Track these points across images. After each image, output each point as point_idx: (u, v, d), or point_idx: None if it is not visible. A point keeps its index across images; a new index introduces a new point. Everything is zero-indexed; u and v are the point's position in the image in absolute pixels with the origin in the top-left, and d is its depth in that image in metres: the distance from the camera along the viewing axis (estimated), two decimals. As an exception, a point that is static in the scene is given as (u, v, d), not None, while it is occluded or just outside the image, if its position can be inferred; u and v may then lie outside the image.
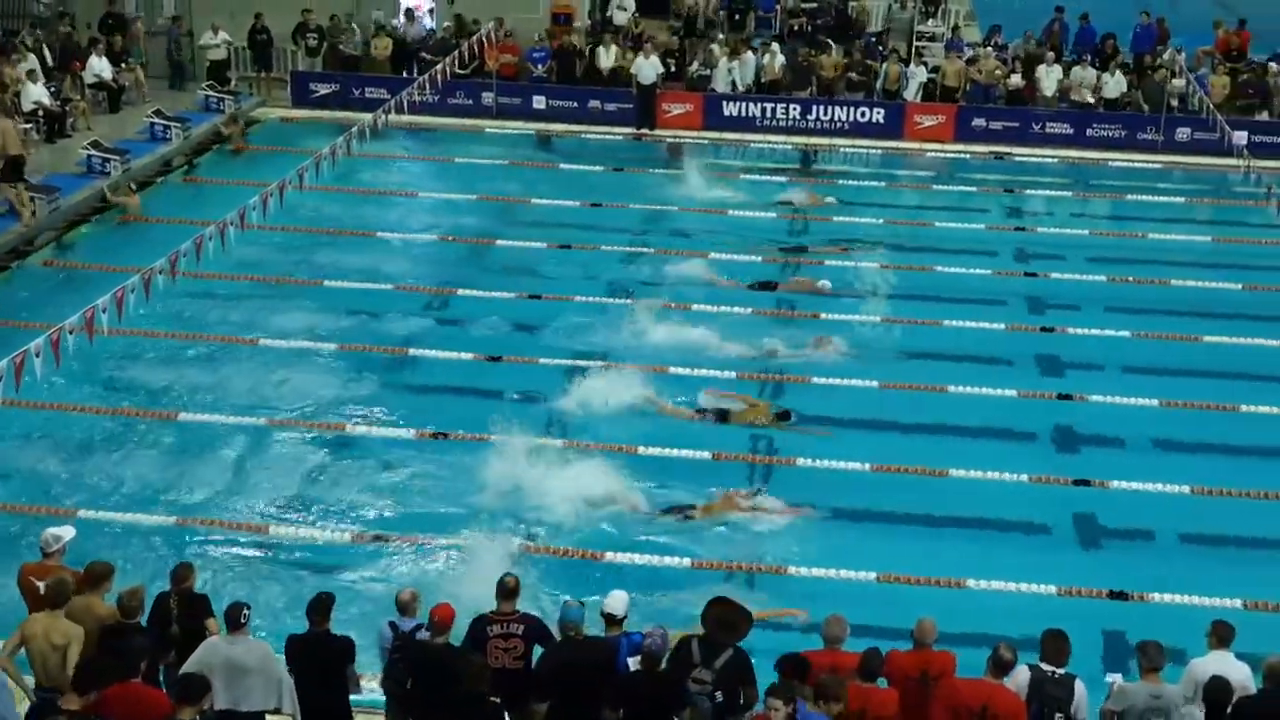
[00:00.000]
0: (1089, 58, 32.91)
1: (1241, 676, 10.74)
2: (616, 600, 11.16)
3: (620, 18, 33.96)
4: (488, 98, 32.32)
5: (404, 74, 32.30)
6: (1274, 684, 10.44)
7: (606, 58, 32.35)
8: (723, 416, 18.70)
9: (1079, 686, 10.55)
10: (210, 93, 31.54)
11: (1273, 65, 31.90)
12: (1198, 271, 24.26)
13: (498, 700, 10.48)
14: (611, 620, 11.06)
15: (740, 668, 10.68)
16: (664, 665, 10.58)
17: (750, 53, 32.52)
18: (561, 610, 10.96)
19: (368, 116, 25.63)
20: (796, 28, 34.50)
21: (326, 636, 11.01)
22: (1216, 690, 10.32)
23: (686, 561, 15.41)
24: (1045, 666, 10.60)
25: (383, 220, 25.93)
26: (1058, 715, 10.49)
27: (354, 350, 20.42)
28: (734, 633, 10.83)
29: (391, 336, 21.03)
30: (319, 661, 10.94)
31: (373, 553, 15.57)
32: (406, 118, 28.16)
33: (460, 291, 22.73)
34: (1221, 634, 11.06)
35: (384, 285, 22.75)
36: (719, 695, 10.60)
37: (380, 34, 33.05)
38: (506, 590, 11.19)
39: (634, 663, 10.67)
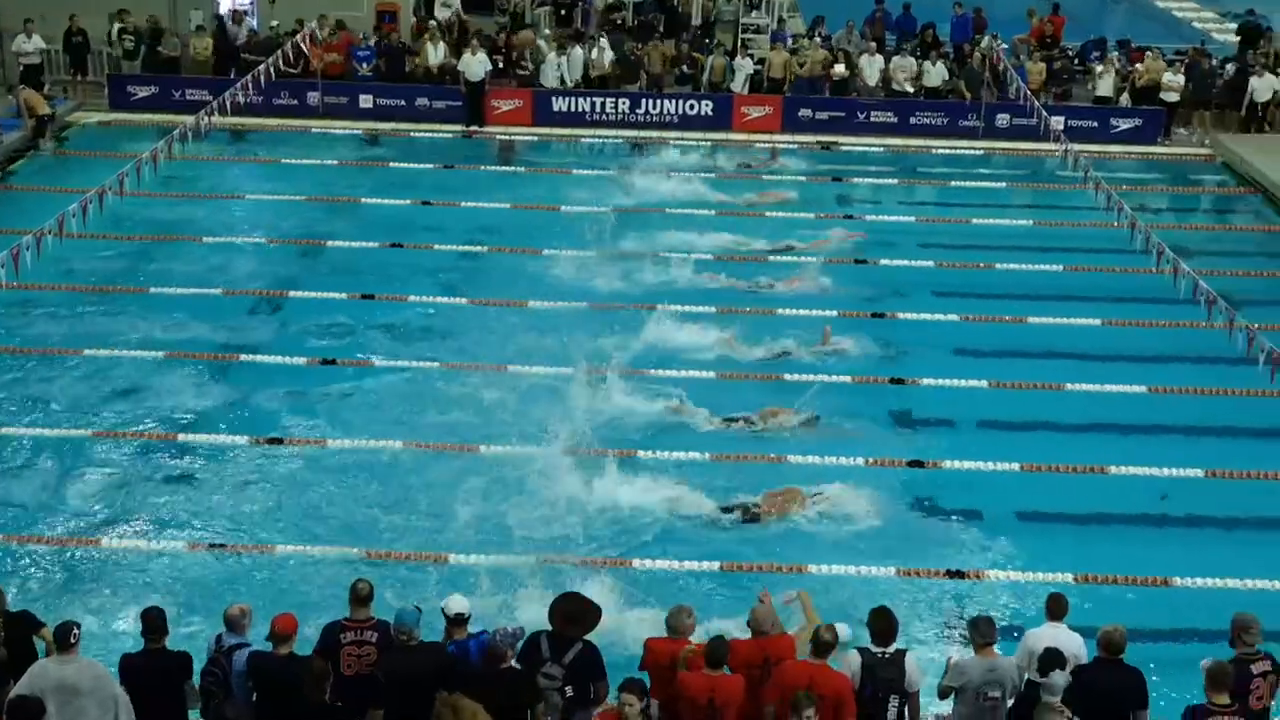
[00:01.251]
0: (909, 47, 33.52)
1: (1074, 647, 11.05)
2: (456, 601, 11.08)
3: (444, 14, 33.65)
4: (313, 97, 31.82)
5: (230, 75, 31.63)
6: (1106, 653, 10.74)
7: (435, 55, 32.06)
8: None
9: (909, 662, 10.73)
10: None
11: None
12: (1020, 255, 24.83)
13: (341, 706, 10.35)
14: (454, 621, 10.98)
15: (590, 662, 10.69)
16: (514, 662, 10.55)
17: (578, 47, 32.49)
18: (396, 615, 10.84)
19: (189, 119, 25.07)
20: (620, 21, 34.55)
21: (162, 653, 10.75)
22: (1049, 661, 10.58)
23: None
24: (874, 648, 10.75)
25: (209, 224, 25.36)
26: (892, 697, 10.67)
27: (183, 358, 19.95)
28: (581, 626, 10.82)
29: (220, 342, 20.60)
30: (156, 678, 10.67)
31: (211, 562, 15.24)
32: (231, 120, 27.64)
33: (291, 294, 22.38)
34: (1055, 607, 11.35)
35: (212, 290, 22.27)
36: (569, 690, 10.60)
37: (199, 35, 32.32)
38: (360, 597, 11.05)
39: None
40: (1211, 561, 15.56)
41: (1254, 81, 31.72)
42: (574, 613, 10.91)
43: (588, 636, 10.83)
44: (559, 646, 10.69)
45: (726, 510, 16.49)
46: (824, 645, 10.58)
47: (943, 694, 11.07)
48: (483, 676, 10.48)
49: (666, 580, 15.06)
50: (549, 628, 10.87)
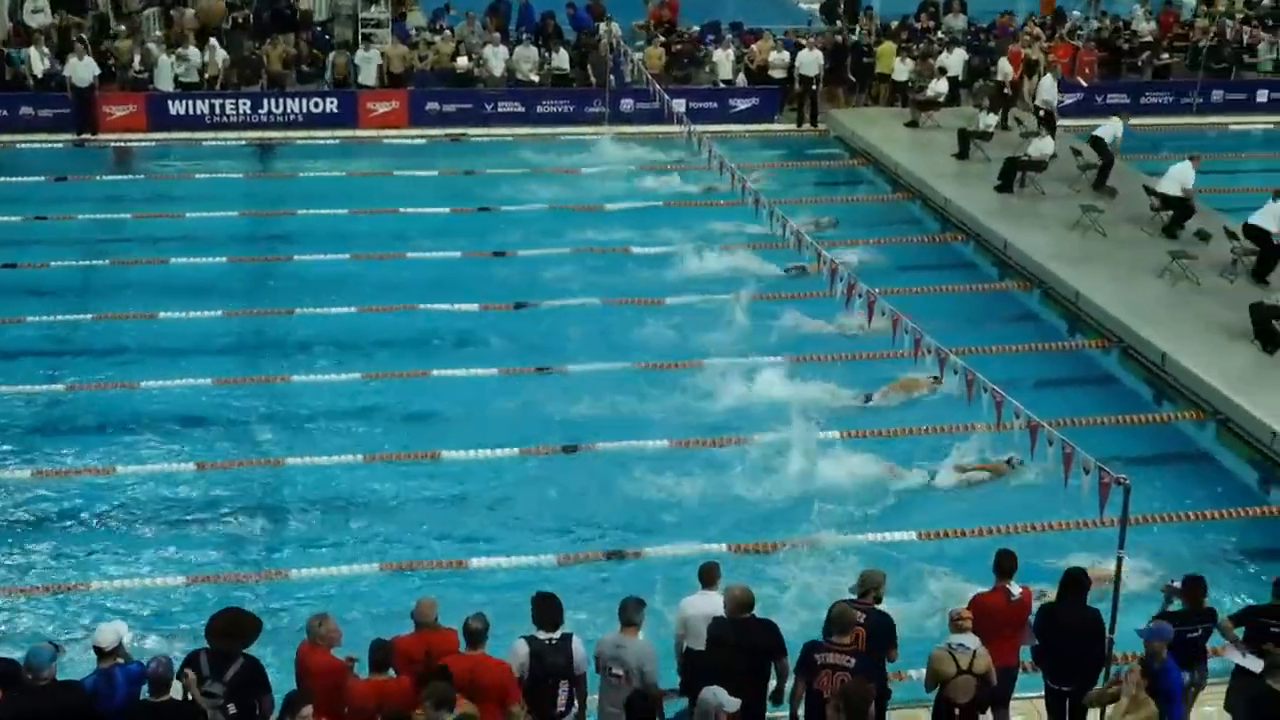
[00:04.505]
0: (530, 37, 33.73)
1: (719, 607, 11.30)
2: (106, 632, 10.55)
3: (38, 20, 31.82)
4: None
5: None
6: (737, 609, 11.08)
7: (40, 62, 30.34)
8: None
9: (576, 645, 10.80)
10: None
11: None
12: (652, 238, 25.30)
13: None
14: (101, 653, 10.45)
15: (251, 677, 10.39)
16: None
17: (193, 47, 31.37)
18: (28, 653, 10.27)
19: None
20: (240, 20, 33.54)
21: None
22: (715, 628, 10.89)
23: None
24: (541, 635, 10.78)
25: None
26: (562, 683, 10.73)
27: None
28: (241, 641, 10.50)
29: None
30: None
31: None
32: None
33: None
34: (706, 573, 11.69)
35: None
36: (232, 707, 10.27)
37: None
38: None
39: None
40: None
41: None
42: (231, 627, 10.58)
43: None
44: (218, 664, 10.34)
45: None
46: (474, 634, 10.54)
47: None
48: (140, 708, 10.03)
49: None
50: None
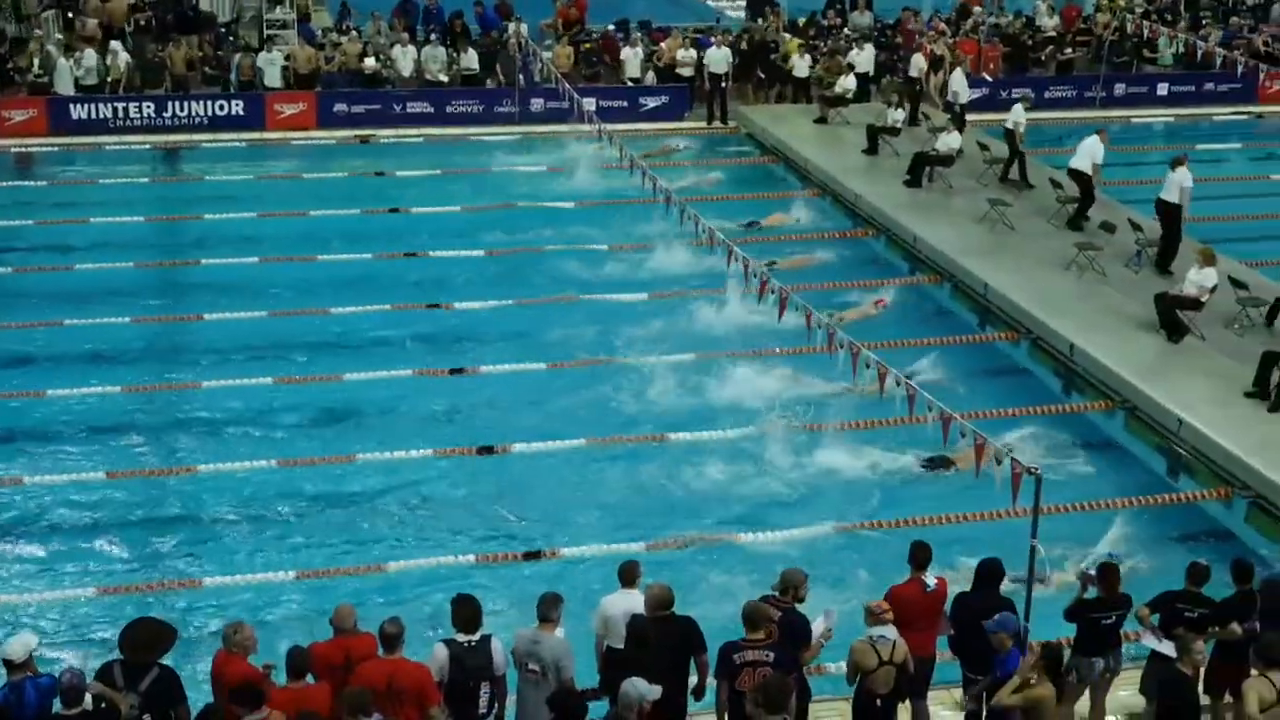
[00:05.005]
0: (438, 37, 33.55)
1: (639, 606, 11.30)
2: (16, 644, 10.34)
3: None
4: None
5: None
6: (656, 607, 11.11)
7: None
8: None
9: (496, 646, 10.74)
10: None
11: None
12: (564, 236, 25.30)
13: None
14: (11, 666, 10.26)
15: (167, 687, 10.27)
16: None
17: (90, 50, 30.87)
18: None
19: None
20: (143, 23, 33.06)
21: None
22: (634, 626, 10.90)
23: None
24: (461, 637, 10.72)
25: None
26: (484, 684, 10.67)
27: None
28: (154, 651, 10.36)
29: None
30: None
31: None
32: None
33: None
34: (626, 572, 11.67)
35: None
36: (147, 718, 10.13)
37: None
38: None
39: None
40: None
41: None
42: (145, 638, 10.44)
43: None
44: (133, 674, 10.20)
45: None
46: (388, 638, 10.45)
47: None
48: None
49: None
50: None
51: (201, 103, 31.07)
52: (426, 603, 14.19)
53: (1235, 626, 11.75)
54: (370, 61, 32.33)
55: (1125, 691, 12.31)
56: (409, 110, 32.07)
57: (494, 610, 12.19)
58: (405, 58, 32.50)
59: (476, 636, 10.74)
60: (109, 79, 30.85)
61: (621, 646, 11.08)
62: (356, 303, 22.01)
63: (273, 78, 31.70)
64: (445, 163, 30.10)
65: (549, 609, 11.00)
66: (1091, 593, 12.02)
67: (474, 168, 29.83)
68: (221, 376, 19.68)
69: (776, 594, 11.52)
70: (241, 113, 31.27)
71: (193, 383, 19.55)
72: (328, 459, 17.51)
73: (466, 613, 10.81)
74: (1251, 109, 35.34)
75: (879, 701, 11.14)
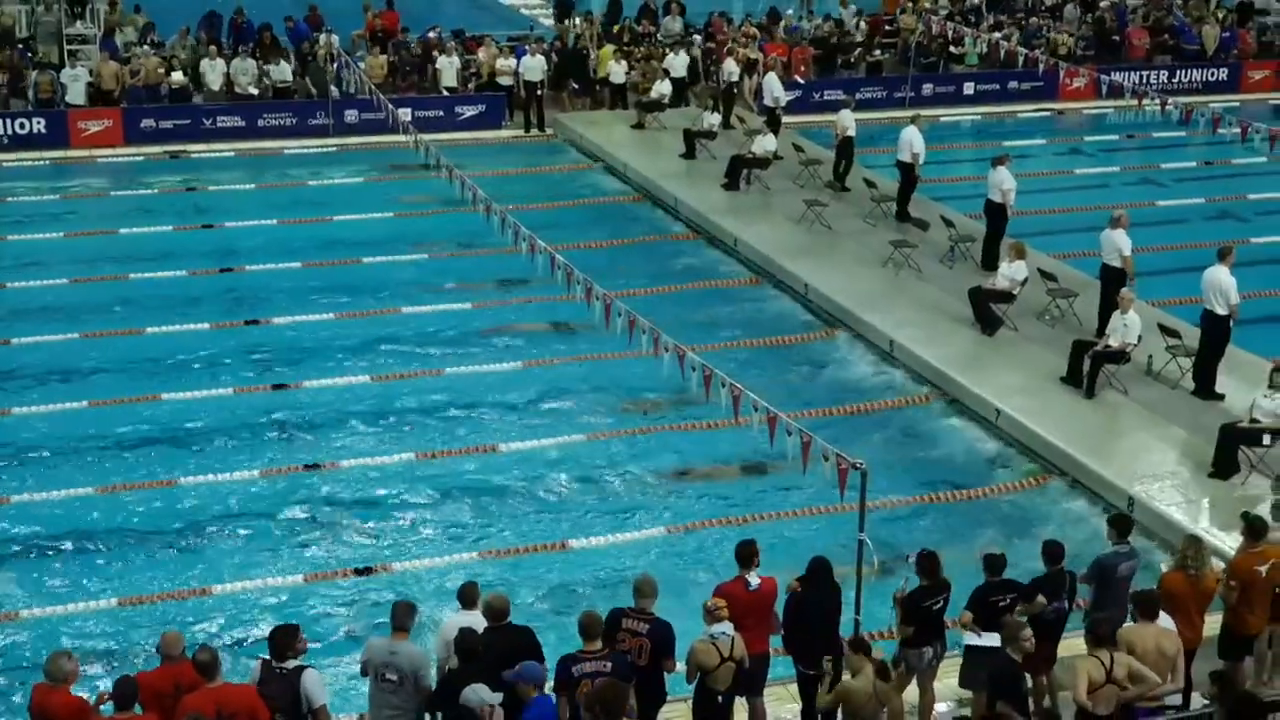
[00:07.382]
0: (248, 49, 32.93)
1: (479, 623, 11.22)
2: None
3: None
4: None
5: None
6: (494, 618, 11.08)
7: None
8: None
9: (307, 678, 10.47)
10: None
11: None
12: (383, 248, 25.10)
13: None
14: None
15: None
16: None
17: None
18: None
19: None
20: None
21: None
22: (462, 640, 10.73)
23: None
24: (275, 664, 10.55)
25: None
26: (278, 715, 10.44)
27: None
28: None
29: None
30: None
31: None
32: None
33: None
34: (466, 594, 11.59)
35: None
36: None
37: None
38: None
39: None
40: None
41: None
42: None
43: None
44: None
45: None
46: (204, 665, 10.20)
47: (362, 669, 11.01)
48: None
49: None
50: None
51: (2, 121, 30.07)
52: (260, 623, 13.93)
53: (1041, 598, 12.00)
54: (177, 75, 31.59)
55: (952, 679, 12.49)
56: (219, 124, 31.36)
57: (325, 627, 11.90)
58: (214, 71, 31.80)
59: (293, 663, 10.54)
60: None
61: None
62: (172, 321, 21.58)
63: (75, 94, 30.76)
64: (258, 176, 29.56)
65: (403, 617, 10.94)
66: (914, 582, 12.19)
67: (288, 181, 29.36)
68: (32, 403, 19.05)
69: (635, 605, 11.34)
70: (43, 130, 30.31)
71: (1, 410, 18.89)
72: (147, 484, 17.05)
73: (282, 642, 10.60)
74: (1053, 106, 36.45)
75: (719, 698, 11.18)
